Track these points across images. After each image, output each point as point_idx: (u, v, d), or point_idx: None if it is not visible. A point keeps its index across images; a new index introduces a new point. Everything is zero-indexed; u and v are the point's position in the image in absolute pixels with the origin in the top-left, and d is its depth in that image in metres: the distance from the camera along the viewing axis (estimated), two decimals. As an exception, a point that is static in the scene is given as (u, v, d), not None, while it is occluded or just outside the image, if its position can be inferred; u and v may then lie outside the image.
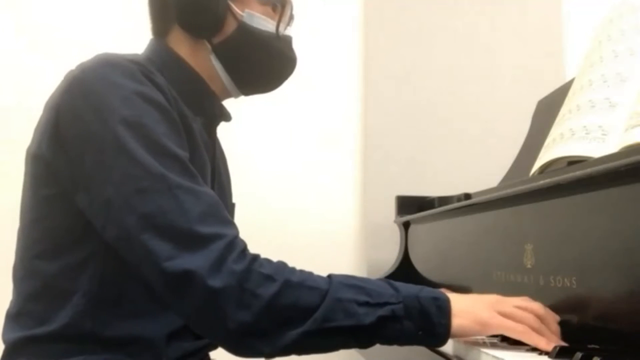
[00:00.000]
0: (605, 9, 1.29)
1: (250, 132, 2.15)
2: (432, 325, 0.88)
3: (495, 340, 0.98)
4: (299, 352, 0.89)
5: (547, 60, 2.30)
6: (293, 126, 2.21)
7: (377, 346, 0.92)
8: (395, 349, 0.93)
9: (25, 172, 1.01)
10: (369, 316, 0.86)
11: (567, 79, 1.48)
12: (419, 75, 2.26)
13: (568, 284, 0.96)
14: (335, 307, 0.86)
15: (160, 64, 1.03)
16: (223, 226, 0.88)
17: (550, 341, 0.87)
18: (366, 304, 0.87)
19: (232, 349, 0.89)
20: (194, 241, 0.85)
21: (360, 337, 0.88)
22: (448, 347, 0.99)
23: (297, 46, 1.16)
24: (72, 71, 0.97)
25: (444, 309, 0.88)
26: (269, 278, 0.85)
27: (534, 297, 1.05)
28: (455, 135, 2.24)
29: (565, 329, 0.95)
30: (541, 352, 0.88)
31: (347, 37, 2.29)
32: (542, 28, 2.33)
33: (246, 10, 1.06)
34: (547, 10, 2.35)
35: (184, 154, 0.92)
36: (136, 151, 0.87)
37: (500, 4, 2.33)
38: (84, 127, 0.90)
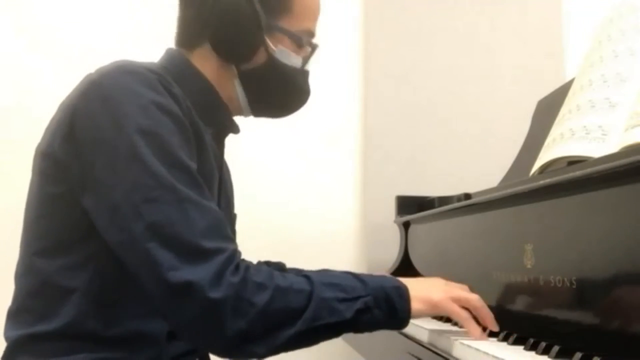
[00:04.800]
0: (605, 9, 1.30)
1: (251, 132, 2.15)
2: (395, 311, 0.97)
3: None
4: (290, 350, 0.94)
5: (547, 60, 2.30)
6: (293, 126, 2.20)
7: (366, 339, 0.96)
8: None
9: (32, 169, 1.02)
10: (348, 311, 0.93)
11: (567, 79, 1.48)
12: (419, 75, 2.26)
13: (568, 284, 0.96)
14: (321, 306, 0.92)
15: (177, 74, 1.05)
16: (224, 241, 0.91)
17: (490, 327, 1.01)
18: (344, 300, 0.94)
19: (228, 355, 0.93)
20: (196, 254, 0.88)
21: (341, 330, 0.96)
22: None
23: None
24: (90, 75, 0.98)
25: (404, 296, 0.98)
26: (262, 286, 0.90)
27: (534, 297, 1.05)
28: (455, 135, 2.24)
29: (565, 329, 0.95)
30: (538, 351, 0.88)
31: (347, 37, 2.29)
32: (542, 28, 2.33)
33: (279, 46, 1.09)
34: (547, 10, 2.35)
35: (193, 165, 0.94)
36: (149, 160, 0.89)
37: (500, 4, 2.33)
38: (98, 131, 0.92)
